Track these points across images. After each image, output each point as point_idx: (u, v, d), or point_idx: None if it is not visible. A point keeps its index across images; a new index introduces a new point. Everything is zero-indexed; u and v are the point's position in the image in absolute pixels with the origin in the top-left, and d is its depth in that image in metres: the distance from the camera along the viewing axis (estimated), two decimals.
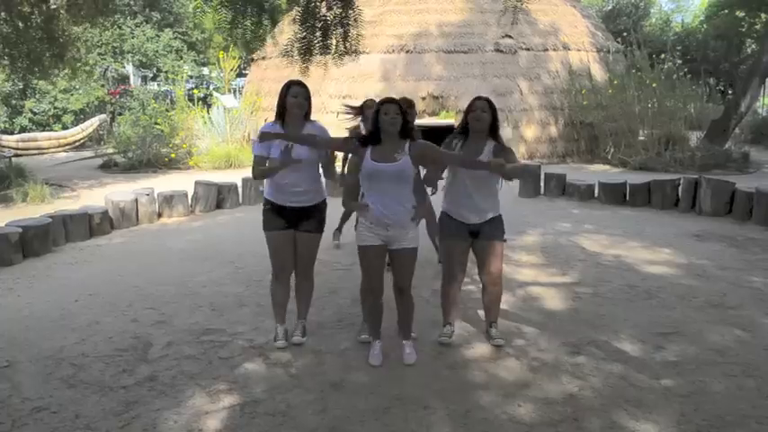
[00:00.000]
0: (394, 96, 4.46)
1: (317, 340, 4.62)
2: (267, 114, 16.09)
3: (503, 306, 4.92)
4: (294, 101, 4.37)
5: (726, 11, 26.48)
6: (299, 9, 5.57)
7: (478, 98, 4.49)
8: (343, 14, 5.58)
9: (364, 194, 4.24)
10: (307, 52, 5.67)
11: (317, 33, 5.56)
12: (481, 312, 4.95)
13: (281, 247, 4.58)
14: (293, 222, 4.52)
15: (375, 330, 4.40)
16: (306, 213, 4.52)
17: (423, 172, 4.63)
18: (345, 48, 5.77)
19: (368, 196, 4.18)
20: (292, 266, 4.67)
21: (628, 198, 9.82)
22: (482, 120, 4.37)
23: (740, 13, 25.65)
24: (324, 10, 5.59)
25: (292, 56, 5.70)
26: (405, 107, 4.24)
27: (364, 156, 4.12)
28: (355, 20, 5.66)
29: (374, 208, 4.11)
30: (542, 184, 10.76)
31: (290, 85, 4.40)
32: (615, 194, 9.86)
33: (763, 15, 24.26)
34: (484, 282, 4.66)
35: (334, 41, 5.70)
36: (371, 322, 4.42)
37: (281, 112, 4.42)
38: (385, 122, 4.04)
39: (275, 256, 4.62)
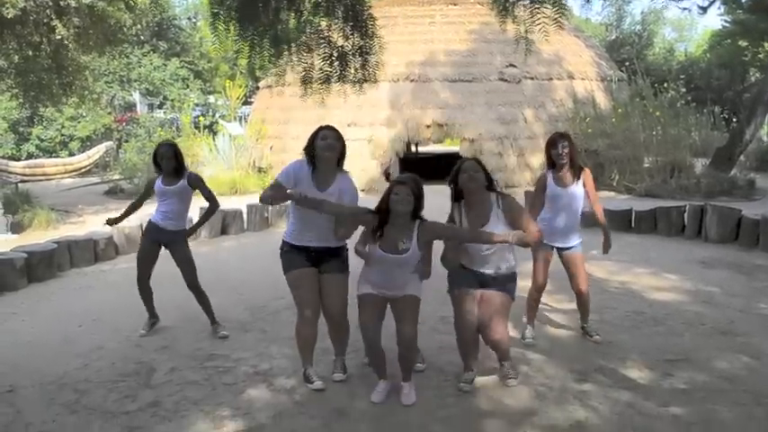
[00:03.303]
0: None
1: (322, 367, 4.58)
2: (272, 142, 16.20)
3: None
4: (324, 143, 4.16)
5: (729, 40, 26.62)
6: (310, 37, 5.62)
7: (464, 160, 4.28)
8: (364, 43, 5.61)
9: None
10: (325, 81, 5.69)
11: (335, 63, 5.58)
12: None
13: (305, 285, 4.32)
14: (315, 262, 4.34)
15: (380, 372, 4.30)
16: (328, 253, 4.35)
17: None
18: (364, 76, 5.80)
19: (372, 267, 4.15)
20: (319, 307, 4.39)
21: (633, 225, 9.79)
22: (476, 180, 4.15)
23: (743, 43, 25.77)
24: (340, 40, 5.62)
25: (310, 85, 5.73)
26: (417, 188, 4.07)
27: (374, 239, 4.08)
28: (380, 48, 5.69)
29: (377, 276, 4.12)
30: None
31: (319, 129, 4.24)
32: (621, 221, 9.83)
33: (766, 45, 24.40)
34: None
35: (352, 70, 5.72)
36: (375, 365, 4.32)
37: (312, 157, 4.22)
38: (396, 203, 3.97)
39: (301, 297, 4.34)
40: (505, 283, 4.27)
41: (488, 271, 4.23)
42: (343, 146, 4.30)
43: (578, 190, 4.99)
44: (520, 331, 5.31)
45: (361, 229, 4.20)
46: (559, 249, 5.09)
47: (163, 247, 5.52)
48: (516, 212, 4.20)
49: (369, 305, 4.17)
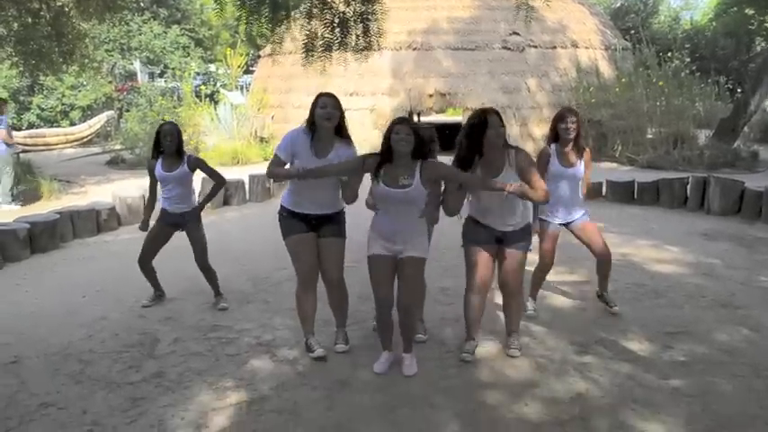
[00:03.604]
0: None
1: (324, 338, 4.60)
2: (273, 111, 16.12)
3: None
4: (322, 111, 4.14)
5: (735, 8, 26.34)
6: (312, 3, 5.53)
7: (484, 113, 4.12)
8: (365, 9, 5.52)
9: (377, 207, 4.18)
10: (327, 49, 5.60)
11: (336, 30, 5.49)
12: (489, 310, 4.89)
13: (305, 250, 4.35)
14: (314, 228, 4.36)
15: (385, 342, 4.31)
16: (327, 219, 4.37)
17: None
18: (366, 43, 5.71)
19: (378, 209, 4.14)
20: (317, 272, 4.45)
21: (636, 196, 9.77)
22: (503, 135, 4.10)
23: (749, 11, 25.51)
24: (341, 6, 5.53)
25: (312, 53, 5.64)
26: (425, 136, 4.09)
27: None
28: (382, 14, 5.58)
29: (384, 223, 4.09)
30: None
31: (319, 96, 4.22)
32: (623, 193, 9.82)
33: None
34: (503, 292, 4.50)
35: (353, 37, 5.63)
36: (381, 333, 4.32)
37: (312, 124, 4.22)
38: (396, 142, 3.95)
39: (300, 261, 4.38)
40: (522, 238, 4.30)
41: (504, 228, 4.23)
42: (342, 114, 4.27)
43: (581, 169, 4.98)
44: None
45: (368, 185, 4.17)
46: (567, 225, 5.09)
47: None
48: (526, 166, 4.12)
49: (380, 267, 4.13)
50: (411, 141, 3.94)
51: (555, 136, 4.98)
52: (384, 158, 4.03)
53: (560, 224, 5.07)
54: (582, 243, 5.18)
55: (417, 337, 4.56)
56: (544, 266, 5.20)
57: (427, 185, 4.02)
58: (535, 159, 4.58)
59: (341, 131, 4.29)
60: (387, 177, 4.02)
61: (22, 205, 10.27)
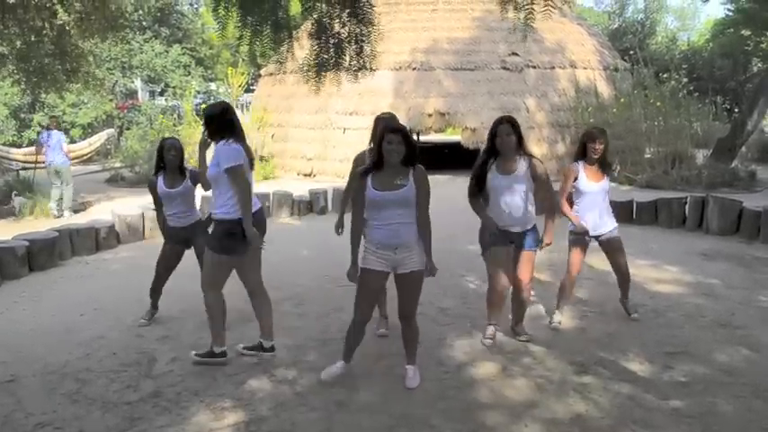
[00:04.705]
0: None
1: (323, 358, 4.59)
2: (273, 130, 16.16)
3: (509, 324, 5.14)
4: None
5: (731, 29, 26.51)
6: (313, 23, 5.58)
7: (500, 122, 4.68)
8: (360, 31, 5.58)
9: (368, 222, 4.17)
10: (321, 68, 5.66)
11: (331, 50, 5.55)
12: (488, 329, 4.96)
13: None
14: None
15: (348, 353, 4.36)
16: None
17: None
18: (359, 64, 5.77)
19: (374, 223, 4.12)
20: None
21: (635, 216, 9.77)
22: (509, 143, 4.60)
23: (746, 32, 25.66)
24: (337, 27, 5.58)
25: (308, 73, 5.69)
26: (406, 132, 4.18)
27: (366, 185, 4.08)
28: (376, 36, 5.65)
29: (381, 233, 4.07)
30: None
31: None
32: (622, 212, 9.77)
33: None
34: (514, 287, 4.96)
35: (347, 58, 5.68)
36: (349, 344, 4.35)
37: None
38: (387, 151, 3.98)
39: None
40: (532, 238, 4.78)
41: (517, 229, 4.71)
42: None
43: (606, 185, 5.28)
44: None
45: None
46: (595, 237, 5.35)
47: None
48: (540, 174, 4.69)
49: (372, 283, 4.14)
50: (402, 150, 3.98)
51: (582, 153, 5.22)
52: (376, 166, 4.06)
53: (589, 237, 5.31)
54: (606, 258, 5.48)
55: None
56: (572, 278, 5.42)
57: (419, 188, 4.05)
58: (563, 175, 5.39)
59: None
60: (378, 183, 4.04)
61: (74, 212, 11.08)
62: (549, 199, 4.84)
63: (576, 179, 5.23)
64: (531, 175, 4.66)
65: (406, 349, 4.36)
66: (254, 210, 4.51)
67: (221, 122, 4.56)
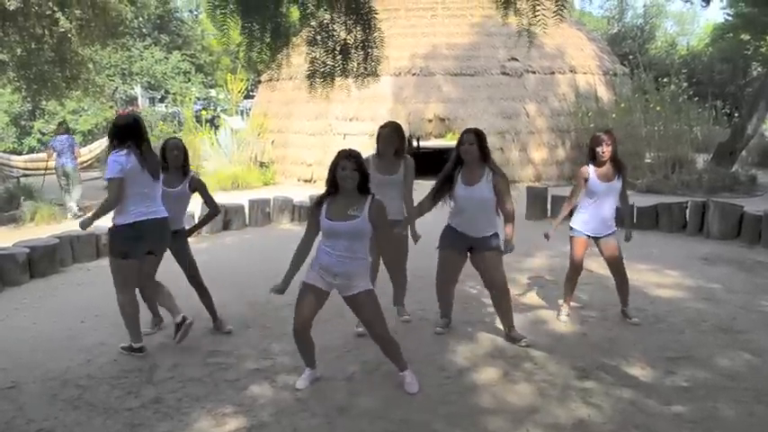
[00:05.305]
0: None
1: (324, 365, 4.59)
2: (273, 136, 16.18)
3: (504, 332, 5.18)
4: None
5: (731, 34, 26.57)
6: (315, 30, 5.59)
7: (467, 131, 4.95)
8: (366, 36, 5.60)
9: (320, 241, 4.17)
10: (328, 75, 5.68)
11: (338, 57, 5.57)
12: (490, 336, 4.95)
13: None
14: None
15: (307, 360, 4.40)
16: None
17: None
18: (366, 69, 5.78)
19: (323, 246, 4.12)
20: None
21: (635, 221, 9.76)
22: (470, 152, 4.84)
23: (745, 37, 25.73)
24: (342, 33, 5.60)
25: (314, 80, 5.71)
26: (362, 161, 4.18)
27: (320, 213, 4.08)
28: (381, 41, 5.68)
29: (327, 259, 4.07)
30: (549, 206, 10.72)
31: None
32: (622, 217, 9.79)
33: None
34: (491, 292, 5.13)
35: (354, 63, 5.70)
36: (302, 353, 4.37)
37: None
38: (341, 178, 4.00)
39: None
40: (492, 241, 4.94)
41: (476, 234, 4.91)
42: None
43: (617, 185, 5.39)
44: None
45: None
46: (595, 238, 5.47)
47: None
48: (502, 186, 4.86)
49: (310, 296, 4.15)
50: (356, 177, 3.98)
51: (592, 156, 5.39)
52: (330, 191, 4.07)
53: (589, 236, 5.44)
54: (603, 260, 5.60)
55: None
56: (575, 268, 5.54)
57: (374, 223, 4.03)
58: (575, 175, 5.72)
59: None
60: (331, 212, 4.04)
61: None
62: (509, 211, 4.93)
63: (586, 180, 5.40)
64: (492, 188, 4.83)
65: (389, 357, 4.33)
66: (154, 217, 4.90)
67: (112, 133, 4.93)
